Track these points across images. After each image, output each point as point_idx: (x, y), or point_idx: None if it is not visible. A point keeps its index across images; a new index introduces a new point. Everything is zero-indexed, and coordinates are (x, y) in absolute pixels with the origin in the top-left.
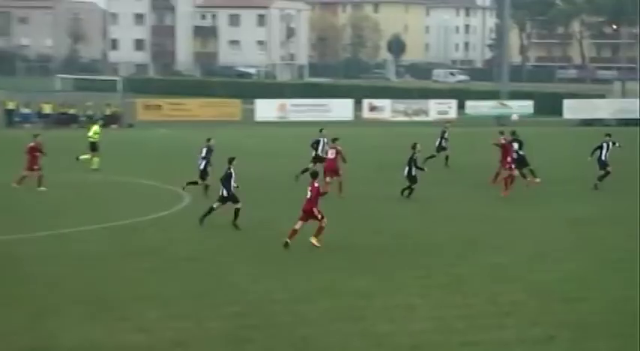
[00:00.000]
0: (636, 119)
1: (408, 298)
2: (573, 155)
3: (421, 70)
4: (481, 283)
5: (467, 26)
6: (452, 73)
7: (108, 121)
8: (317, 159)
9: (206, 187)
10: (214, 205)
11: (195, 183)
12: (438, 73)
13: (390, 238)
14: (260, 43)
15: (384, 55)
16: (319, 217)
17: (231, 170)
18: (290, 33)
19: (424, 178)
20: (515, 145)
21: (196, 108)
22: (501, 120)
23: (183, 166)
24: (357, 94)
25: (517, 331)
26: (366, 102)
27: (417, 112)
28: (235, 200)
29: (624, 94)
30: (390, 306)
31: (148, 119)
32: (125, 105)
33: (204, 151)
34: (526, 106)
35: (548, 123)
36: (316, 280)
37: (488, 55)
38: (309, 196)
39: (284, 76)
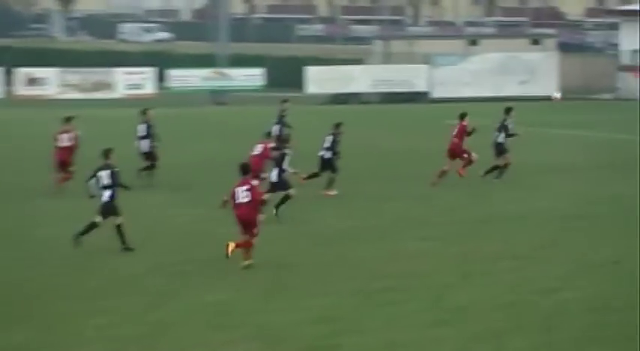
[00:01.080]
0: (406, 93)
1: None
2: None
3: (102, 25)
4: (191, 330)
5: None
6: (147, 30)
7: None
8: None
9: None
10: (96, 220)
11: (152, 167)
12: (127, 29)
13: (62, 276)
14: None
15: (46, 3)
16: (254, 231)
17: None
18: None
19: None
20: (329, 140)
21: None
22: (219, 97)
23: None
24: (7, 61)
25: None
26: (21, 72)
27: (97, 87)
28: (115, 212)
29: (388, 59)
30: None
31: None
32: None
33: (144, 128)
34: (254, 76)
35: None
36: None
37: (199, 3)
38: (246, 199)
39: None
